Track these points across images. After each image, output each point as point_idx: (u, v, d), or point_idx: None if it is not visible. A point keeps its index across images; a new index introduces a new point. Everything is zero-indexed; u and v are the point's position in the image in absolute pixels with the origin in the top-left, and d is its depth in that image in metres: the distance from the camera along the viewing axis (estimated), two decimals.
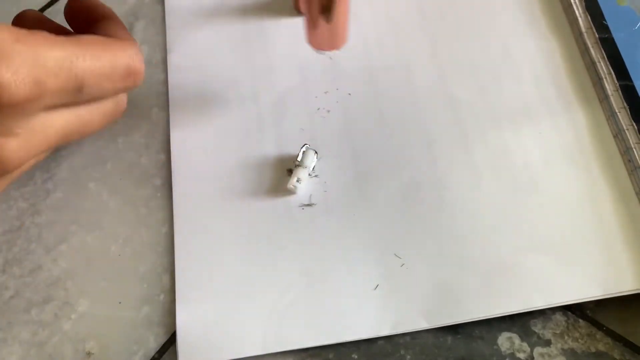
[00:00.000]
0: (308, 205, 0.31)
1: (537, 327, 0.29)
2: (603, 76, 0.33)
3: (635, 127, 0.31)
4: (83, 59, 0.23)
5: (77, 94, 0.23)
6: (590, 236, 0.30)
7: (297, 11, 0.36)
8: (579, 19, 0.35)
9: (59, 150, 0.33)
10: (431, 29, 0.36)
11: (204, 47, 0.35)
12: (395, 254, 0.30)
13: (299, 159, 0.31)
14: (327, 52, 0.29)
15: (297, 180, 0.31)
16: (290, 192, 0.31)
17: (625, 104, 0.32)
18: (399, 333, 0.28)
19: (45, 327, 0.29)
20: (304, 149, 0.31)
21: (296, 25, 0.36)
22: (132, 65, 0.25)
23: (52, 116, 0.23)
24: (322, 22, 0.27)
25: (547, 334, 0.29)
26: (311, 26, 0.27)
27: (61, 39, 0.22)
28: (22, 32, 0.21)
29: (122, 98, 0.27)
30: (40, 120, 0.23)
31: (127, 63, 0.25)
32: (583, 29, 0.35)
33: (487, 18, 0.36)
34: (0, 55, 0.21)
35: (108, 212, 0.32)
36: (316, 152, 0.32)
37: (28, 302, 0.30)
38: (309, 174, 0.31)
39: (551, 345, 0.28)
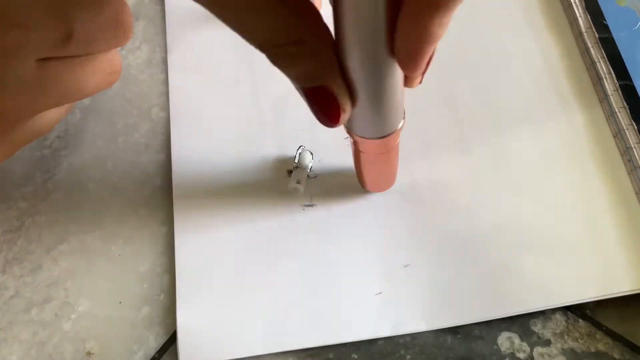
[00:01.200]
0: (309, 205, 0.31)
1: (537, 326, 0.29)
2: (603, 76, 0.33)
3: (635, 126, 0.31)
4: (68, 3, 0.22)
5: (66, 43, 0.23)
6: (589, 236, 0.30)
7: None
8: (579, 18, 0.35)
9: (58, 150, 0.33)
10: None
11: (204, 47, 0.35)
12: (395, 255, 0.30)
13: (295, 160, 0.31)
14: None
15: (298, 182, 0.31)
16: (292, 193, 0.31)
17: (625, 104, 0.32)
18: (399, 334, 0.28)
19: (45, 327, 0.29)
20: (299, 150, 0.32)
21: None
22: (121, 14, 0.25)
23: (45, 67, 0.23)
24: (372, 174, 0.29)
25: (547, 334, 0.29)
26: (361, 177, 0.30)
27: None
28: None
29: (116, 58, 0.27)
30: (33, 69, 0.23)
31: (115, 11, 0.24)
32: (583, 29, 0.35)
33: (486, 18, 0.36)
34: None
35: (108, 212, 0.31)
36: (312, 153, 0.32)
37: (28, 302, 0.30)
38: (308, 175, 0.31)
39: (551, 345, 0.28)
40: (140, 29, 0.36)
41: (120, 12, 0.25)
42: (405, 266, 0.29)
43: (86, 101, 0.34)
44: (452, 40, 0.35)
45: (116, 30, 0.25)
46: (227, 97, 0.34)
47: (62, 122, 0.34)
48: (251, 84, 0.34)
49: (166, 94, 0.34)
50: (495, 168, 0.32)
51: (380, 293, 0.29)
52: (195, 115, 0.34)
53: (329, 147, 0.32)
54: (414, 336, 0.29)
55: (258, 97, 0.34)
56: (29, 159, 0.33)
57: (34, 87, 0.23)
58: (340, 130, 0.33)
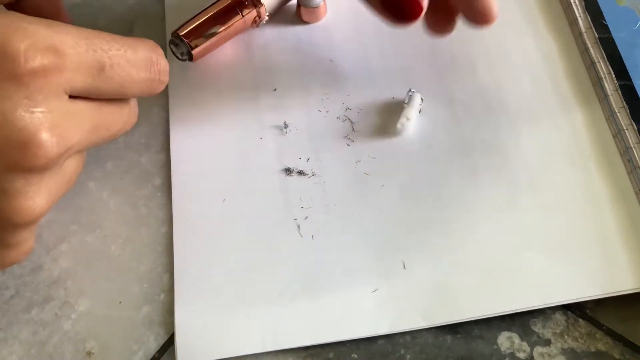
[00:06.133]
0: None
1: (537, 326, 0.29)
2: (602, 76, 0.33)
3: (635, 126, 0.31)
4: (100, 37, 0.23)
5: (99, 75, 0.23)
6: (589, 235, 0.30)
7: (300, 20, 0.36)
8: (579, 18, 0.35)
9: None
10: None
11: None
12: (393, 253, 0.30)
13: (406, 101, 0.32)
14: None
15: (407, 119, 0.32)
16: (397, 133, 0.32)
17: (624, 104, 0.32)
18: (397, 332, 0.28)
19: (45, 327, 0.29)
20: (410, 93, 0.33)
21: (297, 26, 0.36)
22: (154, 54, 0.25)
23: (78, 105, 0.23)
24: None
25: (547, 334, 0.29)
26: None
27: (76, 27, 0.23)
28: (35, 17, 0.22)
29: (135, 105, 0.27)
30: (67, 105, 0.22)
31: (148, 51, 0.25)
32: (582, 29, 0.35)
33: None
34: (14, 29, 0.20)
35: (108, 211, 0.32)
36: (422, 98, 0.33)
37: (28, 302, 0.30)
38: (420, 111, 0.33)
39: (551, 345, 0.28)
40: (140, 29, 0.37)
41: (154, 51, 0.25)
42: (404, 264, 0.29)
43: None
44: (452, 40, 0.35)
45: (150, 68, 0.25)
46: (227, 97, 0.34)
47: None
48: (251, 82, 0.34)
49: (166, 93, 0.34)
50: (494, 167, 0.32)
51: (376, 290, 0.29)
52: (195, 115, 0.34)
53: (328, 147, 0.32)
54: (414, 336, 0.29)
55: (258, 98, 0.34)
56: None
57: (70, 121, 0.23)
58: (339, 131, 0.33)
